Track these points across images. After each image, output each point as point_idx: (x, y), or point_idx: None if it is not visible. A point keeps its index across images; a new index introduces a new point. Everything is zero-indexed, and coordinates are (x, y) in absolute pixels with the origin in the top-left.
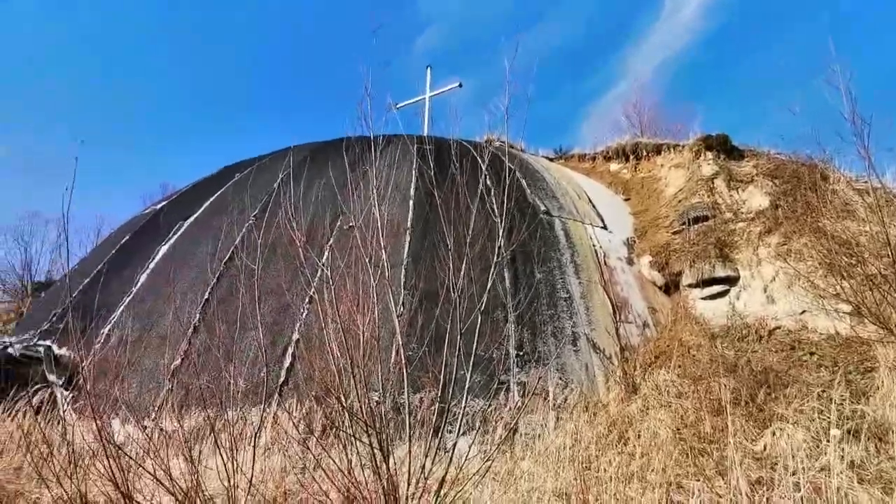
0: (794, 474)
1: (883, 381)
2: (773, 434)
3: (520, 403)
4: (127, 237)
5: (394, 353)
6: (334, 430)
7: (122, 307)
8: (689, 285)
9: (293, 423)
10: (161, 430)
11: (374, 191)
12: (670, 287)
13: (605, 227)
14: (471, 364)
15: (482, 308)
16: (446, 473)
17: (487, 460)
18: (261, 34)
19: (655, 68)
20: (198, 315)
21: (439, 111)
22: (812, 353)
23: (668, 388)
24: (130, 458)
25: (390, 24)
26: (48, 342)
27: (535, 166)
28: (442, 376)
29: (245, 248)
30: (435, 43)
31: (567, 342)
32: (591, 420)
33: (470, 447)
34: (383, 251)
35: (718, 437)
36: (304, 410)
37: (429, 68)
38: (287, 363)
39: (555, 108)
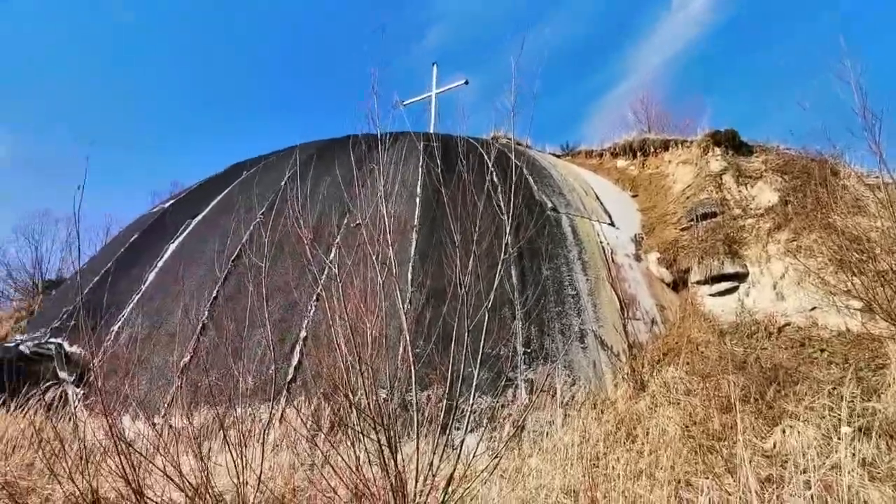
0: (804, 472)
1: (894, 378)
2: (784, 431)
3: (527, 401)
4: (136, 235)
5: (401, 350)
6: (342, 427)
7: (131, 305)
8: (698, 282)
9: (301, 420)
10: (171, 426)
11: (381, 188)
12: (678, 284)
13: (612, 224)
14: (478, 361)
15: (489, 305)
16: (454, 470)
17: (495, 457)
18: (266, 33)
19: (664, 62)
20: (206, 313)
21: (446, 108)
22: (822, 350)
23: (677, 385)
24: (141, 454)
25: (397, 21)
26: (59, 340)
27: (542, 163)
28: (449, 373)
29: (252, 246)
30: (441, 40)
31: (575, 339)
32: (599, 417)
33: (478, 444)
34: (390, 248)
35: (728, 434)
36: (312, 407)
37: (435, 65)
38: (295, 360)
39: (562, 104)
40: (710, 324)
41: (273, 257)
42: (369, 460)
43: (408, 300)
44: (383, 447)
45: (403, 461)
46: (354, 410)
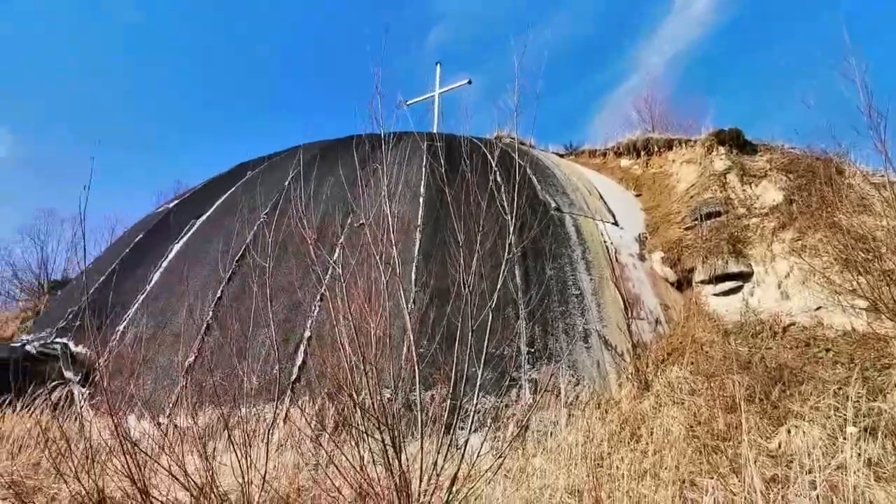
0: (809, 472)
1: None
2: (789, 431)
3: (531, 400)
4: (140, 236)
5: (405, 350)
6: (346, 426)
7: (136, 305)
8: (702, 281)
9: (306, 420)
10: (176, 426)
11: (385, 188)
12: (682, 283)
13: (616, 224)
14: (482, 361)
15: (493, 305)
16: (458, 470)
17: (499, 457)
18: (267, 33)
19: (667, 62)
20: (211, 313)
21: (449, 108)
22: (828, 350)
23: (681, 385)
24: (146, 454)
25: (397, 21)
26: (65, 340)
27: (546, 162)
28: (453, 373)
29: (257, 246)
30: (441, 40)
31: (578, 339)
32: (603, 417)
33: (482, 444)
34: (394, 248)
35: (732, 434)
36: (316, 407)
37: (438, 65)
38: (299, 360)
39: (565, 103)
40: (715, 323)
41: (277, 257)
42: (373, 460)
43: (411, 300)
44: (387, 447)
45: (408, 461)
46: (358, 410)
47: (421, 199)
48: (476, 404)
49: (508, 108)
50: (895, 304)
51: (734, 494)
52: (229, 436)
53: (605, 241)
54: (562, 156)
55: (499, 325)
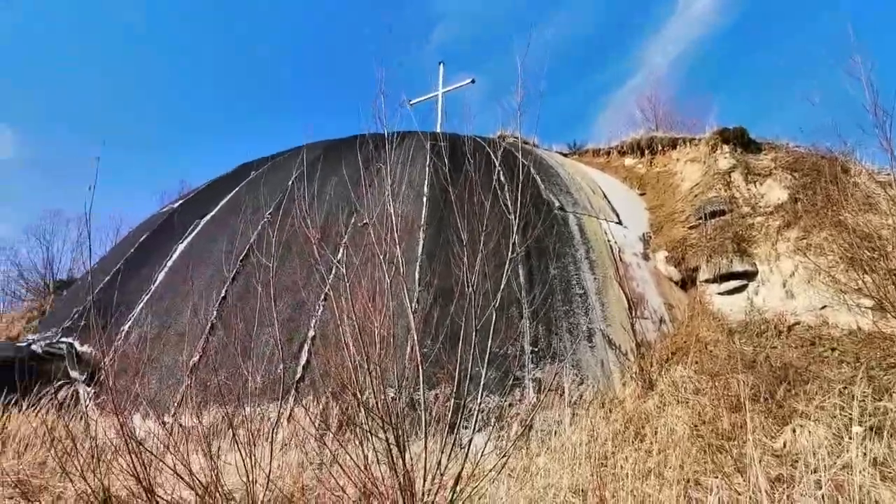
0: (815, 472)
1: None
2: (794, 431)
3: (535, 400)
4: (145, 236)
5: (409, 349)
6: (351, 425)
7: (141, 305)
8: (706, 280)
9: (310, 419)
10: (181, 425)
11: (389, 188)
12: (687, 282)
13: (620, 223)
14: (486, 360)
15: (497, 304)
16: (462, 469)
17: (503, 456)
18: (268, 33)
19: (671, 61)
20: (215, 312)
21: (453, 107)
22: (833, 349)
23: (686, 384)
24: (151, 453)
25: (397, 22)
26: (70, 339)
27: (549, 162)
28: (457, 373)
29: (261, 245)
30: (441, 40)
31: (582, 338)
32: (607, 416)
33: (485, 443)
34: (398, 248)
35: (737, 433)
36: (320, 406)
37: (441, 65)
38: (303, 360)
39: (569, 102)
40: (719, 322)
41: (281, 257)
42: (377, 459)
43: (415, 299)
44: (391, 446)
45: (412, 460)
46: (362, 409)
47: (424, 199)
48: (480, 404)
49: (511, 108)
50: None
51: (739, 494)
52: (234, 435)
53: (608, 241)
54: (565, 155)
55: (502, 325)
